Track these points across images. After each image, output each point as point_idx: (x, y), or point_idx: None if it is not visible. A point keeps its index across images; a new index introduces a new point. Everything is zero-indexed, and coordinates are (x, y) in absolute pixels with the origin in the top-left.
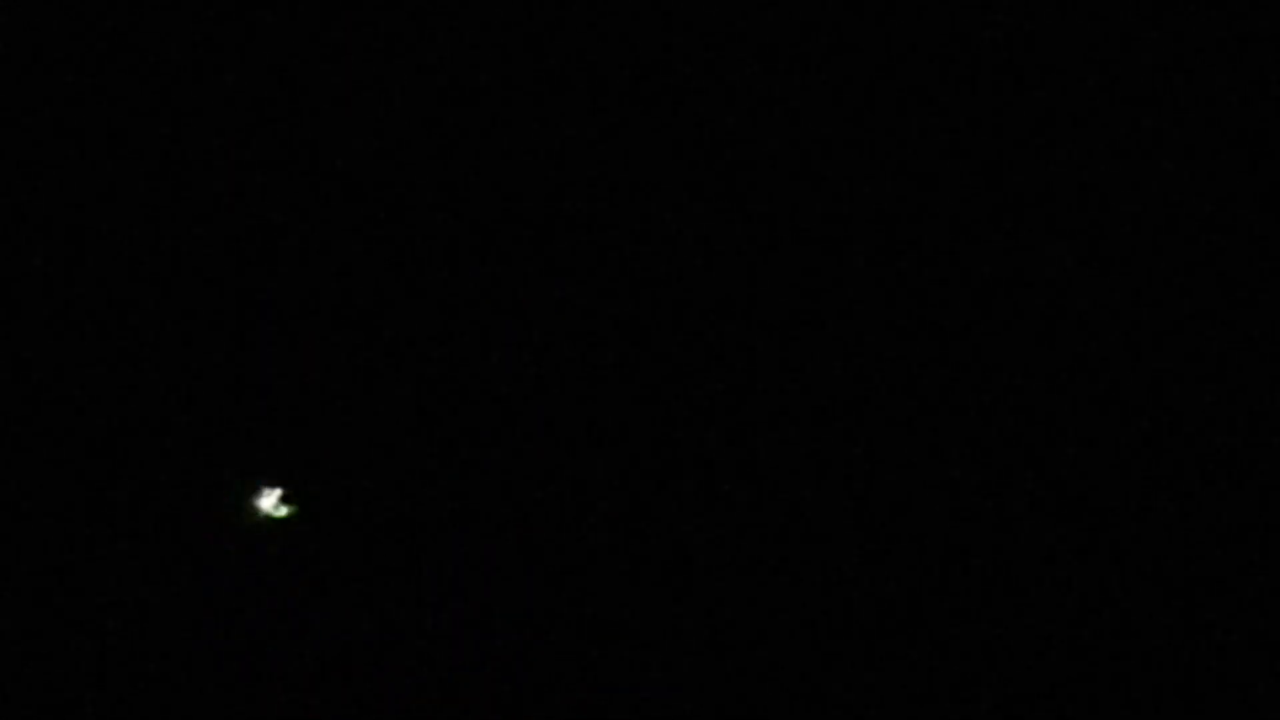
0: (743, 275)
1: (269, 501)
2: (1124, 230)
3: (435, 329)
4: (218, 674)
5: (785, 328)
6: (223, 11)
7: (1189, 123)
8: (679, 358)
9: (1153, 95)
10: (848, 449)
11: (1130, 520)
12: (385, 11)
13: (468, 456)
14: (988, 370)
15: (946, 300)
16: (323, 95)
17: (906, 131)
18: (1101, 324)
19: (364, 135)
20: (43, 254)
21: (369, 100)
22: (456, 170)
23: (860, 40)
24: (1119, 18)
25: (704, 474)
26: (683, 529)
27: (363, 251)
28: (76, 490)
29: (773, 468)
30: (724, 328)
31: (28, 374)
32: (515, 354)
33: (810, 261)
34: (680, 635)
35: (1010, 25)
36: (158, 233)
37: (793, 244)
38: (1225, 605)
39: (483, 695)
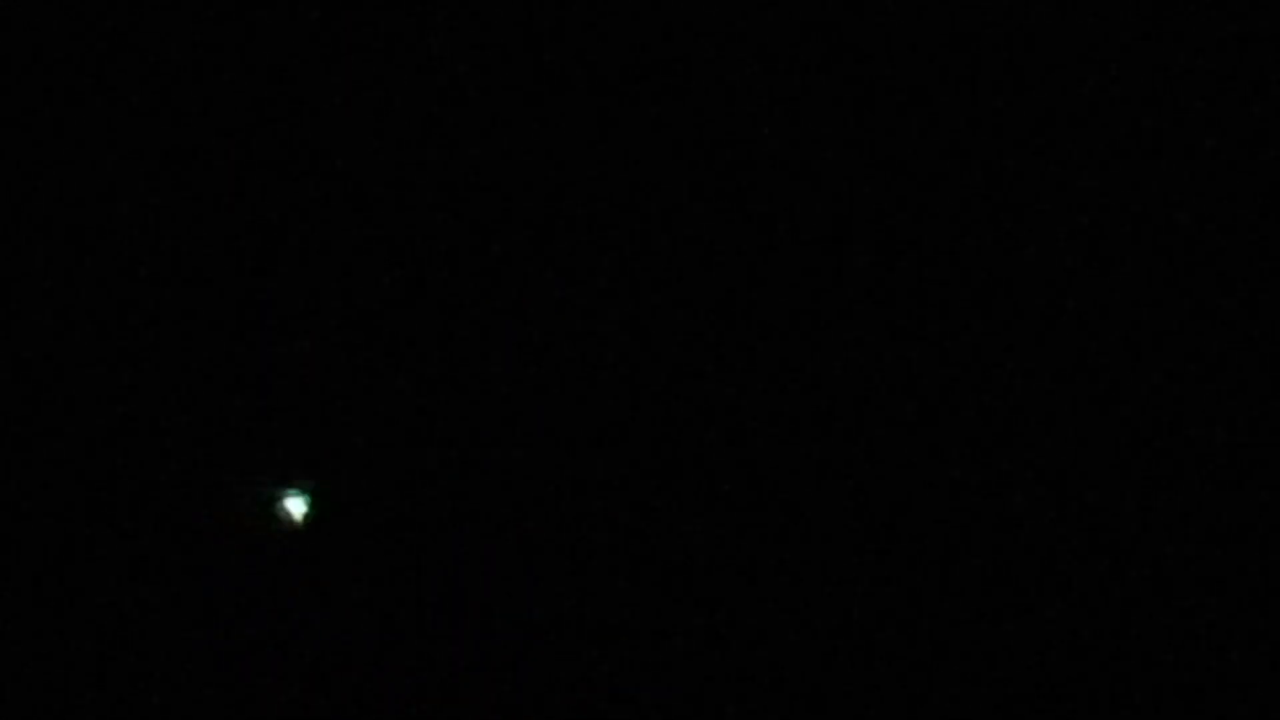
0: (743, 275)
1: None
2: (1124, 230)
3: (437, 329)
4: (222, 671)
5: (785, 328)
6: (223, 11)
7: (1189, 123)
8: (679, 358)
9: (1153, 95)
10: (848, 449)
11: (1130, 520)
12: (385, 11)
13: (469, 456)
14: (988, 370)
15: (946, 300)
16: (323, 95)
17: (906, 131)
18: (1102, 324)
19: (364, 135)
20: (44, 254)
21: (369, 100)
22: (457, 170)
23: (860, 40)
24: (1119, 18)
25: (704, 474)
26: (682, 529)
27: (364, 252)
28: (78, 489)
29: (773, 468)
30: (724, 328)
31: (35, 373)
32: (516, 354)
33: (810, 262)
34: (680, 635)
35: (1010, 25)
36: (160, 232)
37: (793, 244)
38: (1225, 605)
39: (484, 695)
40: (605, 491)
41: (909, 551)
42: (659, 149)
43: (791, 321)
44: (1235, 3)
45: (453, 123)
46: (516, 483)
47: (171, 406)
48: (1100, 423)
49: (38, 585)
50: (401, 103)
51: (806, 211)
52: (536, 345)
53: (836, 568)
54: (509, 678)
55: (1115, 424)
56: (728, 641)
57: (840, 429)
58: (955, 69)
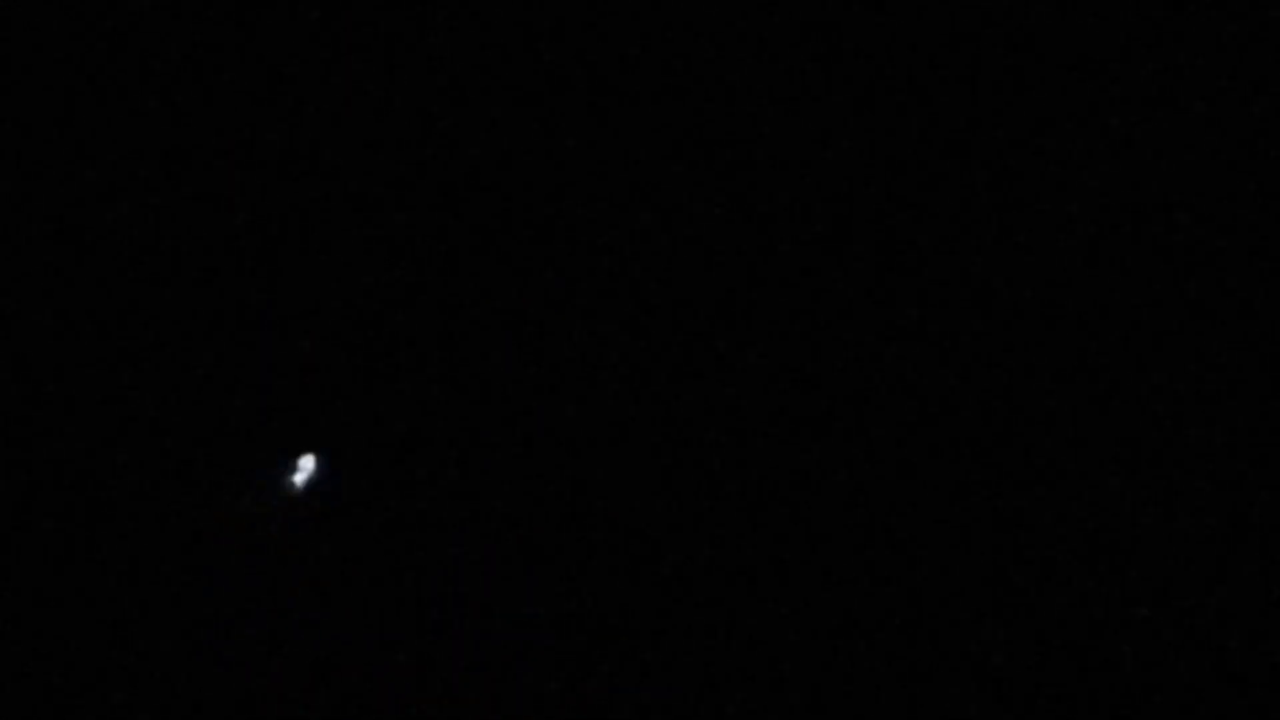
0: (743, 275)
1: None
2: (1124, 230)
3: (439, 328)
4: (226, 668)
5: (785, 328)
6: (223, 11)
7: (1189, 123)
8: (678, 358)
9: (1153, 95)
10: (847, 449)
11: (1130, 520)
12: (385, 12)
13: (470, 455)
14: (989, 370)
15: (946, 300)
16: (323, 95)
17: (906, 132)
18: (1101, 324)
19: (364, 135)
20: (45, 255)
21: (369, 100)
22: (457, 170)
23: (861, 40)
24: (1119, 18)
25: (704, 474)
26: (683, 529)
27: (364, 252)
28: (75, 471)
29: (773, 468)
30: (724, 327)
31: (33, 349)
32: (516, 354)
33: (810, 262)
34: (679, 635)
35: (1010, 25)
36: (160, 232)
37: (793, 244)
38: (1225, 605)
39: (484, 695)
40: (605, 490)
41: (909, 551)
42: (659, 149)
43: (791, 321)
44: (1235, 3)
45: (440, 120)
46: (518, 481)
47: (173, 388)
48: (1100, 423)
49: (35, 556)
50: (394, 103)
51: (807, 211)
52: (538, 338)
53: (837, 568)
54: (511, 670)
55: (1115, 424)
56: (727, 641)
57: (840, 429)
58: (955, 69)
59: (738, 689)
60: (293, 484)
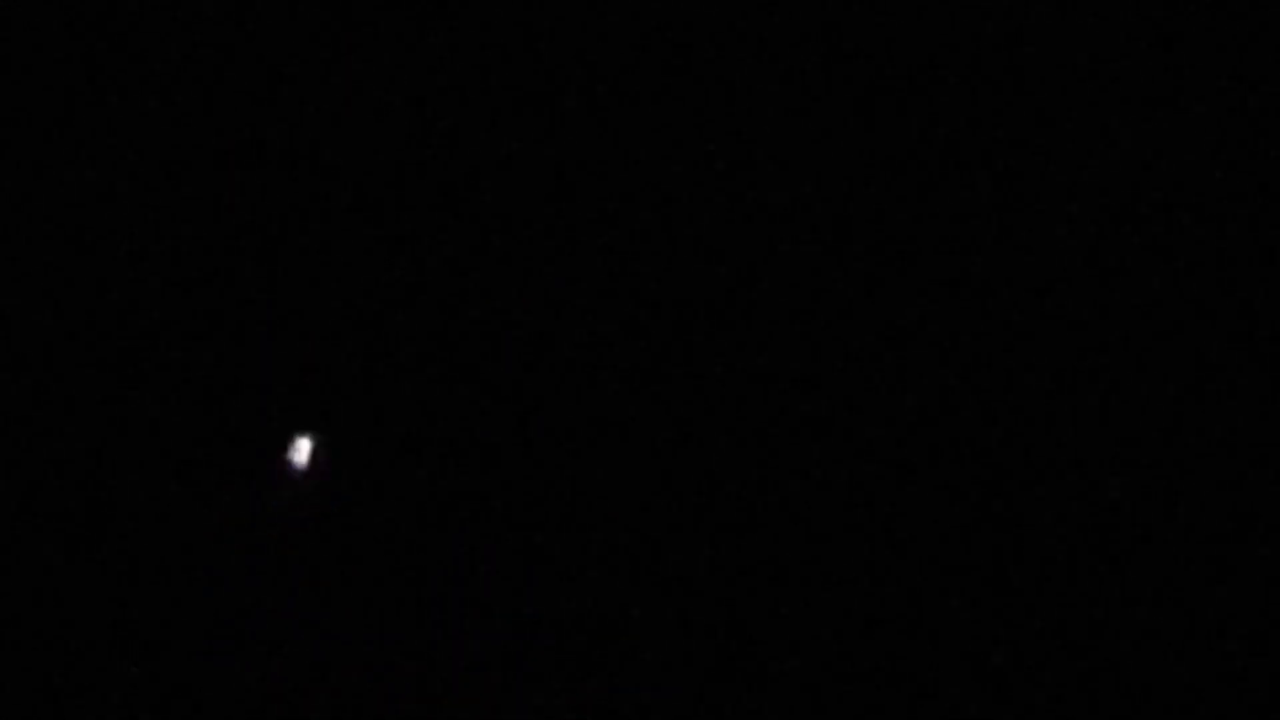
0: (744, 276)
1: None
2: (1124, 230)
3: (440, 328)
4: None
5: (785, 328)
6: (224, 11)
7: (1189, 123)
8: (679, 358)
9: (1153, 96)
10: (848, 449)
11: (1130, 520)
12: (385, 12)
13: (471, 455)
14: (989, 370)
15: (946, 300)
16: (323, 95)
17: (906, 132)
18: (1101, 324)
19: (364, 135)
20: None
21: (369, 101)
22: (457, 170)
23: (860, 40)
24: (1119, 18)
25: (703, 474)
26: (682, 529)
27: (365, 252)
28: (75, 451)
29: (773, 468)
30: (724, 327)
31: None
32: (517, 354)
33: (811, 262)
34: (678, 635)
35: (1010, 26)
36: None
37: (793, 244)
38: (1225, 605)
39: (485, 695)
40: (607, 492)
41: (909, 551)
42: (659, 149)
43: (791, 321)
44: (1235, 3)
45: (441, 119)
46: (519, 481)
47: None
48: (1100, 422)
49: (35, 531)
50: (394, 103)
51: (806, 211)
52: (538, 336)
53: (837, 568)
54: (510, 667)
55: (1115, 424)
56: (727, 641)
57: (840, 429)
58: (955, 69)
59: (738, 689)
60: (293, 472)
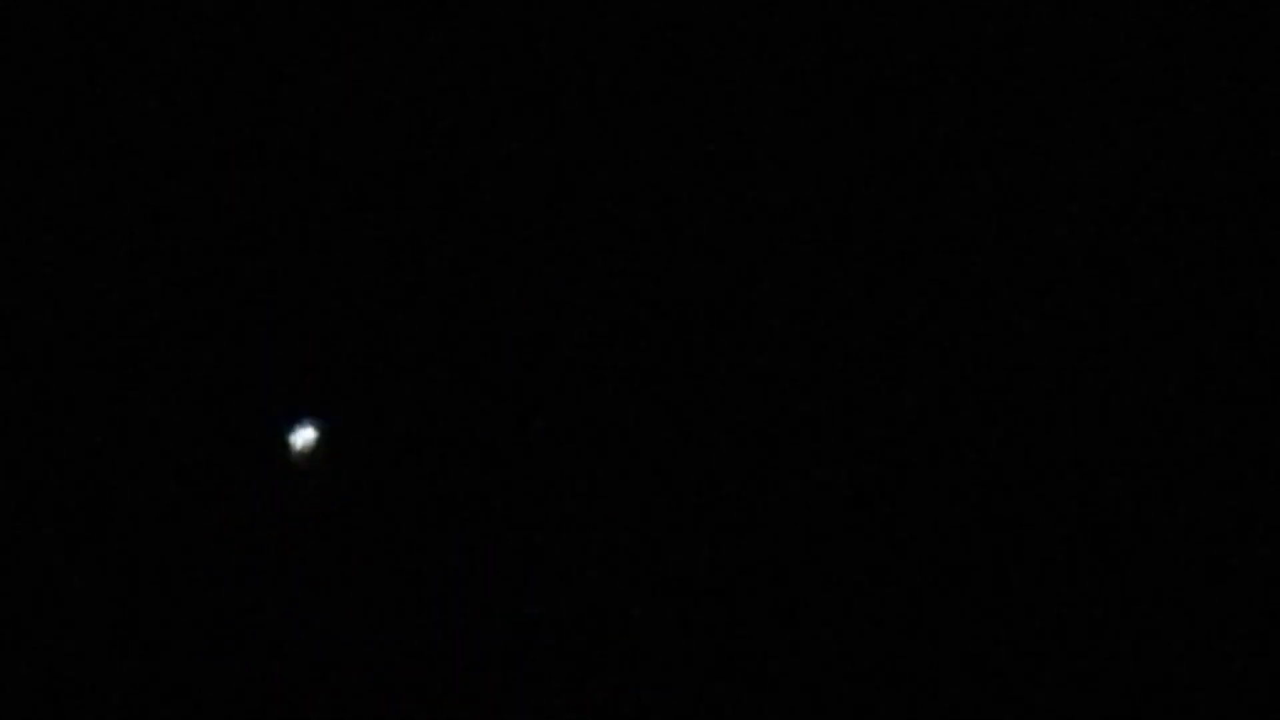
0: (743, 276)
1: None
2: (1124, 230)
3: (440, 328)
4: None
5: (785, 328)
6: (224, 11)
7: (1189, 123)
8: (678, 358)
9: (1153, 96)
10: (848, 449)
11: (1130, 521)
12: (385, 12)
13: (471, 455)
14: (989, 370)
15: (946, 300)
16: (323, 95)
17: (906, 132)
18: (1101, 324)
19: (364, 135)
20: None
21: (369, 101)
22: (457, 170)
23: (860, 40)
24: (1119, 18)
25: (703, 475)
26: (683, 529)
27: (365, 252)
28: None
29: (773, 468)
30: (723, 327)
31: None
32: (517, 354)
33: (810, 262)
34: (677, 635)
35: (1010, 26)
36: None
37: (792, 244)
38: (1225, 605)
39: (485, 695)
40: (607, 492)
41: (909, 551)
42: (659, 149)
43: (792, 321)
44: (1235, 2)
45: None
46: (518, 481)
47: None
48: (1100, 422)
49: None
50: (394, 103)
51: (806, 211)
52: (538, 335)
53: (837, 568)
54: (510, 663)
55: (1115, 424)
56: (727, 642)
57: (841, 429)
58: (956, 69)
59: (737, 689)
60: (294, 459)
